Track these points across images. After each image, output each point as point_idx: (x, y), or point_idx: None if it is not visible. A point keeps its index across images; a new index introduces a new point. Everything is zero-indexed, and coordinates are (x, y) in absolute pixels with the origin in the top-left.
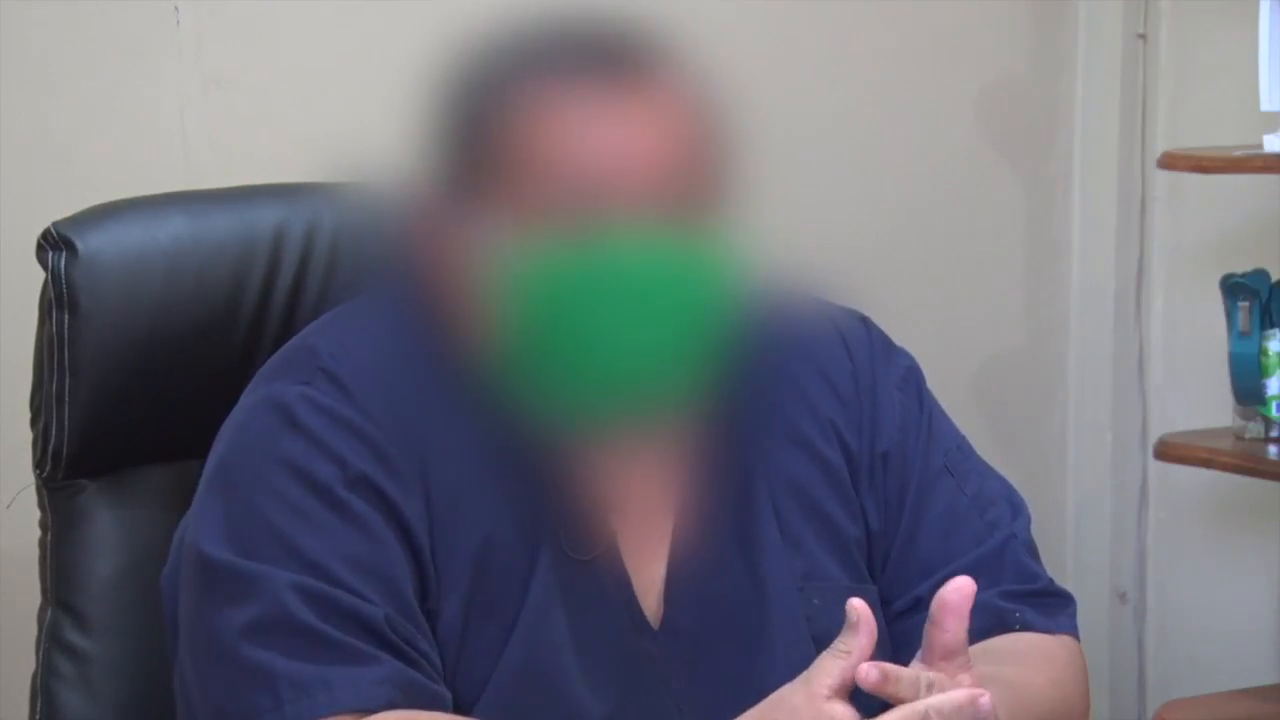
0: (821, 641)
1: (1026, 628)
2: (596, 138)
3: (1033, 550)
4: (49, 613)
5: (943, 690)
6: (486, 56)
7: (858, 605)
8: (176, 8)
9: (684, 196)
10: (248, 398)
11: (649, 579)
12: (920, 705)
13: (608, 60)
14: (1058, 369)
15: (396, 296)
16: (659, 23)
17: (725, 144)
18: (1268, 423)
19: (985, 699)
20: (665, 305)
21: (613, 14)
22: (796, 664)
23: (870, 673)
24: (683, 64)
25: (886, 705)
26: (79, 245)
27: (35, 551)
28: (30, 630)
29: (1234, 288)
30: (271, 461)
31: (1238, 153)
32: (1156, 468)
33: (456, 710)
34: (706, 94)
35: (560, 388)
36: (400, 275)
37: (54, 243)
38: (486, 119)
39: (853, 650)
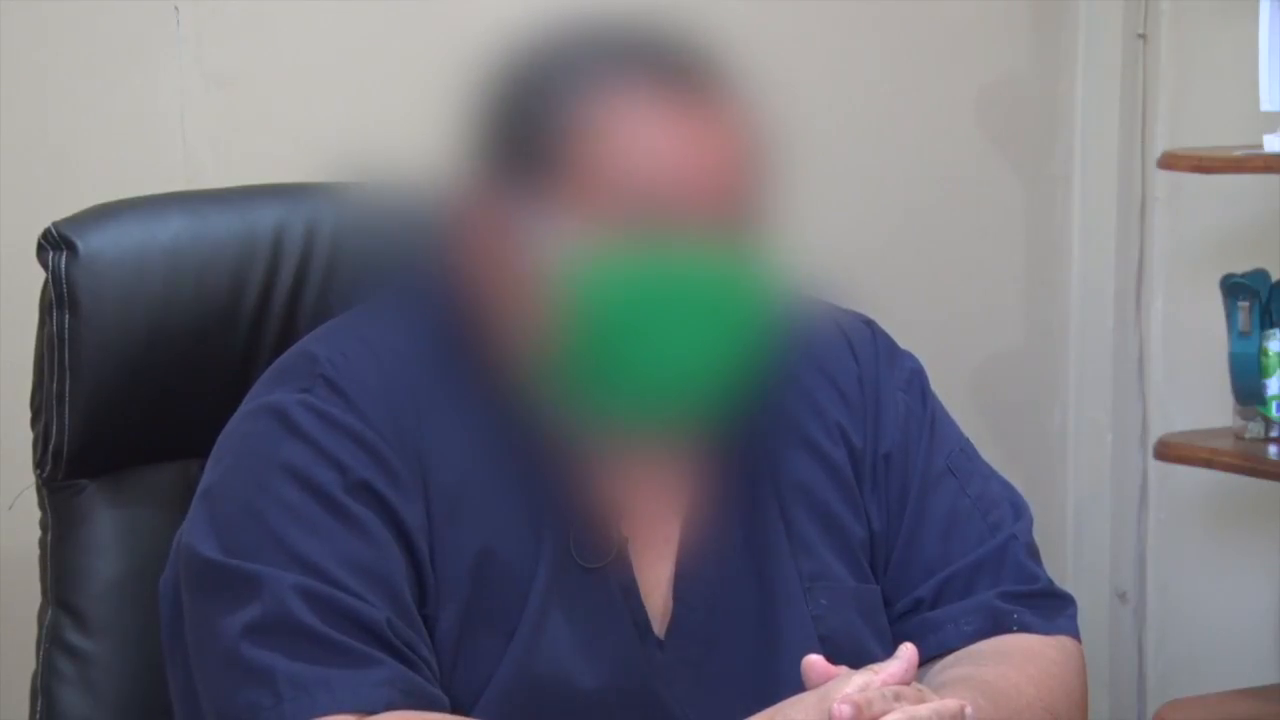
0: (829, 641)
1: (1024, 629)
2: (663, 148)
3: (1034, 552)
4: (49, 613)
5: (916, 700)
6: (547, 59)
7: (910, 648)
8: (176, 8)
9: (737, 211)
10: (247, 405)
11: (655, 582)
12: (924, 710)
13: (674, 72)
14: (1058, 369)
15: (407, 300)
16: (712, 36)
17: (771, 159)
18: (1268, 423)
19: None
20: (718, 317)
21: (669, 24)
22: None
23: (843, 709)
24: (738, 79)
25: None
26: (79, 245)
27: (35, 551)
28: (30, 630)
29: (1234, 288)
30: (272, 467)
31: (1238, 153)
32: (1156, 468)
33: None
34: (759, 109)
35: (606, 393)
36: (422, 276)
37: (54, 243)
38: (550, 122)
39: (880, 673)
